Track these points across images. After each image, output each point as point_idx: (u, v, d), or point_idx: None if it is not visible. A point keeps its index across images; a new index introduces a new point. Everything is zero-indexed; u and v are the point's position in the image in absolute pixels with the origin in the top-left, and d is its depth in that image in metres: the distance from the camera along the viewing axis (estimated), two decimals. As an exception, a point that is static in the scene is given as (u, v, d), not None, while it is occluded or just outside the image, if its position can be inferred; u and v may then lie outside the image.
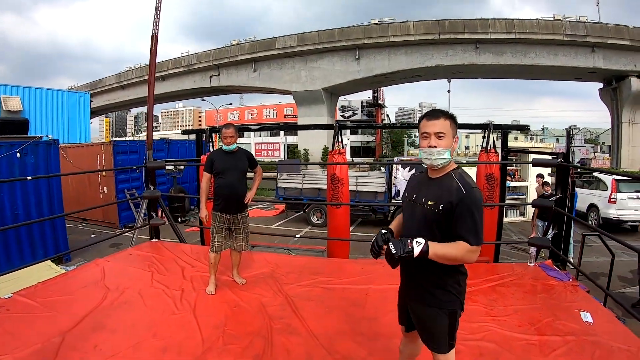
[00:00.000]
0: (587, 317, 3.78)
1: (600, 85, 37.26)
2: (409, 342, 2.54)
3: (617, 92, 34.58)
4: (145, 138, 9.01)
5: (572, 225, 6.36)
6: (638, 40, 31.61)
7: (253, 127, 9.46)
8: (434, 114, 2.18)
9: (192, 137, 8.73)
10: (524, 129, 7.12)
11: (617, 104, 34.93)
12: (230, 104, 57.02)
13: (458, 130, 2.25)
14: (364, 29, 33.96)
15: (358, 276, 4.67)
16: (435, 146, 2.12)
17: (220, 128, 4.46)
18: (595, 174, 13.80)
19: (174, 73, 42.62)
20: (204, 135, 7.29)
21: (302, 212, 13.20)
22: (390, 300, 3.92)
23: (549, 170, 11.47)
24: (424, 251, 1.98)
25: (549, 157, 6.04)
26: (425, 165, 2.23)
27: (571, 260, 7.20)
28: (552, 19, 32.41)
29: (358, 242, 9.16)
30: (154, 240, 5.97)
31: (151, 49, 7.35)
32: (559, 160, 5.51)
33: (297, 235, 7.17)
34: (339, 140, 6.51)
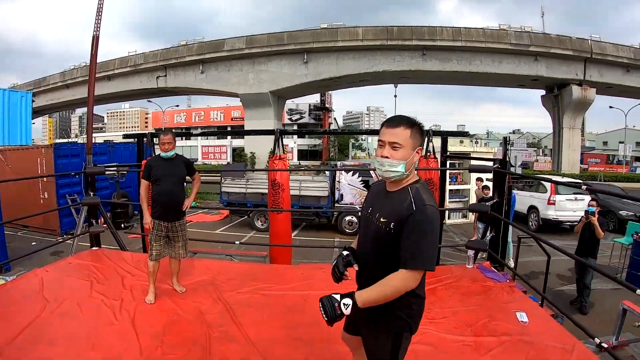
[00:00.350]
0: (522, 317, 3.92)
1: (543, 92, 39.15)
2: (356, 354, 2.44)
3: (559, 99, 36.68)
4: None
5: (510, 227, 6.58)
6: (580, 50, 33.68)
7: (194, 132, 9.29)
8: (394, 121, 1.98)
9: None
10: (464, 135, 7.36)
11: (559, 110, 36.96)
12: (177, 106, 56.36)
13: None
14: (313, 32, 34.25)
15: (298, 282, 4.71)
16: (387, 157, 1.93)
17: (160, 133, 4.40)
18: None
19: (120, 73, 41.56)
20: (145, 139, 7.11)
21: (246, 216, 13.10)
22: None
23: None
24: (353, 305, 1.87)
25: (489, 162, 6.23)
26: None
27: (510, 262, 7.45)
28: (497, 28, 33.86)
29: (300, 247, 9.28)
30: (94, 248, 5.78)
31: (92, 50, 7.14)
32: (496, 166, 5.69)
33: (237, 242, 7.09)
34: (280, 145, 6.53)
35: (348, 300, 1.87)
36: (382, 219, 1.95)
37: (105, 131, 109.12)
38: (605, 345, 3.53)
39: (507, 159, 5.70)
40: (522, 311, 4.00)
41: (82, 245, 6.52)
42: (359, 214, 2.24)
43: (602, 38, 34.78)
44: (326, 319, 1.88)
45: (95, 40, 7.14)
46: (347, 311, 1.86)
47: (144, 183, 4.31)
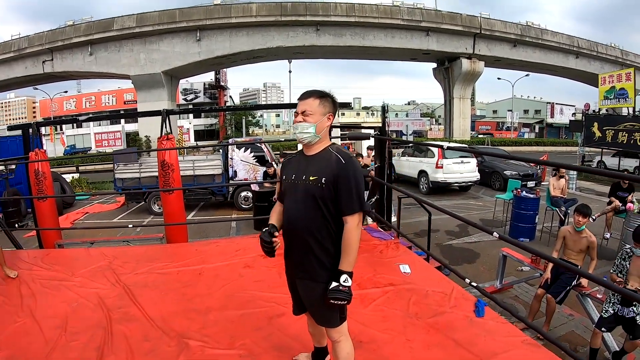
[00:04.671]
0: (405, 268, 4.36)
1: (434, 65, 41.49)
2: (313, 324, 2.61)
3: (449, 71, 39.50)
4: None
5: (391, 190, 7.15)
6: (469, 26, 36.61)
7: (81, 118, 8.73)
8: (304, 95, 2.32)
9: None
10: (346, 106, 7.69)
11: (449, 81, 39.70)
12: (66, 92, 51.91)
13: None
14: (206, 9, 33.43)
15: (192, 258, 4.88)
16: (301, 122, 2.24)
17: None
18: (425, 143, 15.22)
19: (2, 59, 37.46)
20: (31, 129, 6.77)
21: (143, 202, 12.76)
22: (223, 276, 4.26)
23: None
24: (350, 277, 2.13)
25: (372, 131, 6.63)
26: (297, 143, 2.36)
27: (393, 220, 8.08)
28: (390, 4, 35.19)
29: (194, 224, 9.58)
30: (-13, 251, 5.51)
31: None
32: (376, 133, 6.12)
33: (130, 225, 7.06)
34: (167, 125, 6.54)
35: (344, 276, 2.12)
36: (311, 178, 2.21)
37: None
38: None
39: (387, 127, 6.14)
40: (404, 264, 4.45)
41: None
42: (284, 184, 2.44)
43: (491, 16, 37.56)
44: (346, 302, 2.12)
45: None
46: (349, 283, 2.12)
47: None
